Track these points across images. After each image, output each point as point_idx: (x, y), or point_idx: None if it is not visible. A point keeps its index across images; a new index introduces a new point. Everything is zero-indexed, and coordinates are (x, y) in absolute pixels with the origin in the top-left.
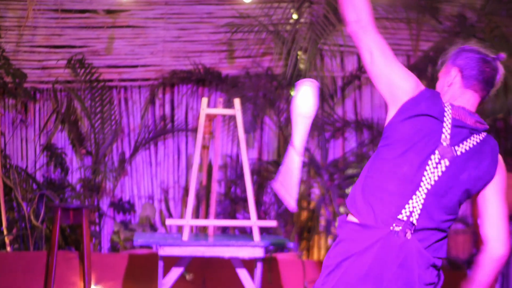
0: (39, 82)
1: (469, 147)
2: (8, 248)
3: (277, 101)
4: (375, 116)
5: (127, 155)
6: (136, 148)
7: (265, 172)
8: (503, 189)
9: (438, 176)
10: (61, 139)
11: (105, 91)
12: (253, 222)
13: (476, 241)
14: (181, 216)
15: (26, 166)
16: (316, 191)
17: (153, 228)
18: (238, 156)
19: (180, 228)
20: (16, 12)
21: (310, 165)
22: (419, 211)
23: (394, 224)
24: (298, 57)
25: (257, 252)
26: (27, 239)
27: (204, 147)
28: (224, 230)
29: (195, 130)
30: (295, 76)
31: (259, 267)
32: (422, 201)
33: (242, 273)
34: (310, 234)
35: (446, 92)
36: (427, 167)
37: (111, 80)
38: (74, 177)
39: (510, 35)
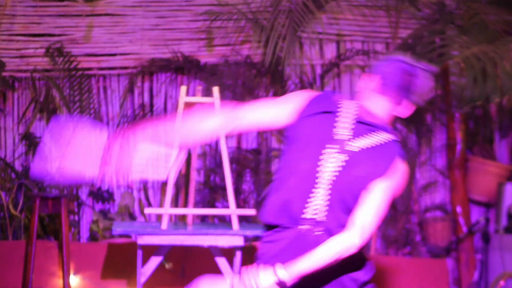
0: (17, 71)
1: (368, 144)
2: None
3: (256, 89)
4: None
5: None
6: None
7: (244, 161)
8: (389, 191)
9: (337, 171)
10: (40, 128)
11: (84, 80)
12: (232, 210)
13: (455, 229)
14: (160, 205)
15: (5, 155)
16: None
17: (132, 217)
18: (217, 145)
19: (159, 217)
20: None
21: None
22: (323, 208)
23: (301, 223)
24: (277, 45)
25: (237, 241)
26: (6, 229)
27: None
28: (203, 218)
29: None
30: (274, 64)
31: (238, 255)
32: (325, 197)
33: (222, 262)
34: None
35: (363, 94)
36: (325, 163)
37: (89, 69)
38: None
39: (489, 22)
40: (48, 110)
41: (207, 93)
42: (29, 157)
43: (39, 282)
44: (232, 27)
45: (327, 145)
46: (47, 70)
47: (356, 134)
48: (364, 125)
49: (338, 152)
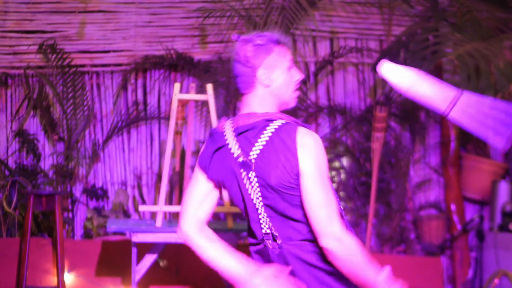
0: (10, 68)
1: (260, 149)
2: None
3: None
4: (348, 101)
5: (100, 141)
6: (109, 134)
7: None
8: (315, 173)
9: (257, 188)
10: (33, 125)
11: (77, 77)
12: (227, 208)
13: (450, 227)
14: (155, 202)
15: None
16: None
17: (127, 214)
18: None
19: (153, 215)
20: None
21: None
22: (271, 223)
23: (264, 240)
24: None
25: (231, 238)
26: (0, 226)
27: (177, 133)
28: None
29: (167, 116)
30: None
31: None
32: (266, 214)
33: None
34: None
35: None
36: (247, 187)
37: (83, 66)
38: (47, 163)
39: (482, 19)
40: (41, 107)
41: (201, 90)
42: (22, 154)
43: (33, 279)
44: (225, 24)
45: (240, 172)
46: (40, 67)
47: (246, 145)
48: (244, 133)
49: (246, 172)
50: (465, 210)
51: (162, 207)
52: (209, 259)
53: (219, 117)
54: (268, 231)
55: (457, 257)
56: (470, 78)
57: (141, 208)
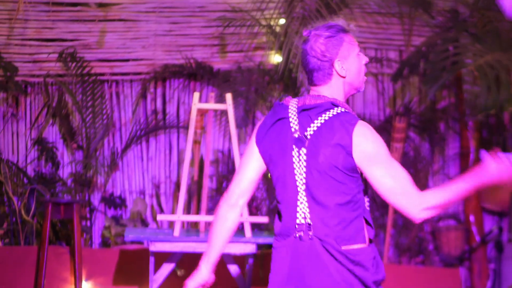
0: (30, 76)
1: (317, 126)
2: None
3: (269, 96)
4: (367, 111)
5: (119, 149)
6: (128, 143)
7: None
8: (373, 156)
9: (305, 167)
10: (52, 133)
11: (97, 85)
12: (245, 218)
13: (468, 238)
14: (173, 211)
15: (17, 160)
16: None
17: (144, 223)
18: (229, 151)
19: (171, 224)
20: (7, 4)
21: None
22: (308, 210)
23: (296, 231)
24: (290, 52)
25: (249, 248)
26: (18, 234)
27: (196, 142)
28: None
29: (186, 125)
30: (287, 71)
31: (250, 263)
32: (305, 198)
33: (234, 269)
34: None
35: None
36: (294, 165)
37: (102, 74)
38: (65, 172)
39: (503, 30)
40: (60, 115)
41: (220, 99)
42: (41, 162)
43: (51, 287)
44: (245, 33)
45: (291, 147)
46: (59, 75)
47: (305, 123)
48: (307, 111)
49: (299, 149)
50: (484, 221)
51: (180, 216)
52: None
53: (238, 126)
54: (302, 220)
55: (475, 269)
56: (490, 89)
57: (159, 217)
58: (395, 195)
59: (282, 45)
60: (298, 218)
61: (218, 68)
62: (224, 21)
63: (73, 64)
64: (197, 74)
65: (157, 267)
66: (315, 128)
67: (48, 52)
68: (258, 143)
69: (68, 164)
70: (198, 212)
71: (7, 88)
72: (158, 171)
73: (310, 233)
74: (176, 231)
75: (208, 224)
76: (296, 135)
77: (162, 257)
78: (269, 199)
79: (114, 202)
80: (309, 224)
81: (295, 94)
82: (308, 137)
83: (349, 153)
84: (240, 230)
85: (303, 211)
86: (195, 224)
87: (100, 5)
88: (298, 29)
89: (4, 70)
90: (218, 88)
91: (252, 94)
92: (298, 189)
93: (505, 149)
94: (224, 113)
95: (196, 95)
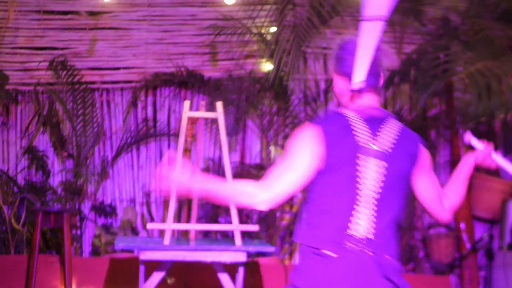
0: (20, 84)
1: (395, 138)
2: None
3: (259, 104)
4: None
5: (109, 158)
6: (118, 151)
7: (248, 176)
8: (430, 164)
9: (382, 181)
10: (43, 141)
11: (87, 94)
12: (235, 226)
13: (459, 245)
14: (163, 220)
15: (8, 169)
16: (299, 195)
17: (135, 231)
18: (220, 159)
19: (161, 232)
20: None
21: None
22: (372, 224)
23: (351, 243)
24: (281, 59)
25: (239, 257)
26: (8, 243)
27: (186, 150)
28: (206, 234)
29: (177, 133)
30: (278, 79)
31: (241, 271)
32: (371, 212)
33: (224, 278)
34: (292, 238)
35: (345, 98)
36: (362, 175)
37: (93, 82)
38: (56, 180)
39: (494, 38)
40: (51, 124)
41: (211, 107)
42: (31, 171)
43: None
44: (236, 41)
45: (359, 158)
46: (50, 84)
47: (376, 133)
48: (375, 122)
49: (376, 162)
50: (475, 229)
51: (170, 225)
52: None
53: (228, 135)
54: (359, 234)
55: (466, 276)
56: (481, 97)
57: (150, 225)
58: (431, 201)
59: (273, 53)
60: (351, 229)
61: (209, 76)
62: (215, 29)
63: (64, 73)
64: (188, 82)
65: (147, 275)
66: (393, 141)
67: (38, 61)
68: (325, 146)
69: (58, 172)
70: (188, 220)
71: None
72: (149, 179)
73: (370, 249)
74: (167, 240)
75: (199, 233)
76: (374, 147)
77: (153, 266)
78: None
79: (104, 210)
80: (369, 239)
81: (286, 102)
82: (389, 151)
83: (415, 163)
84: (230, 238)
85: (366, 225)
86: (186, 233)
87: (91, 13)
88: (289, 37)
89: None
90: (209, 96)
91: (243, 102)
92: (370, 199)
93: None
94: (214, 121)
95: (187, 103)
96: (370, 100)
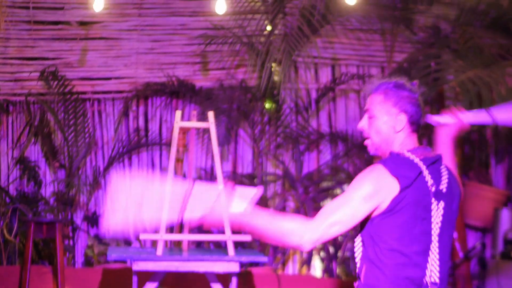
0: (11, 95)
1: (447, 178)
2: None
3: (251, 113)
4: (350, 128)
5: (101, 168)
6: (110, 161)
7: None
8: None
9: (440, 221)
10: (34, 152)
11: (79, 104)
12: (228, 236)
13: (451, 254)
14: (155, 230)
15: None
16: (291, 205)
17: (127, 242)
18: (212, 169)
19: (154, 243)
20: None
21: (285, 178)
22: (437, 268)
23: None
24: (272, 69)
25: (232, 267)
26: (0, 254)
27: (178, 160)
28: (198, 244)
29: (169, 142)
30: (270, 88)
31: (234, 281)
32: (437, 256)
33: None
34: (285, 248)
35: (394, 137)
36: (432, 221)
37: (84, 93)
38: (48, 191)
39: (484, 46)
40: (42, 134)
41: (202, 117)
42: (23, 181)
43: None
44: (227, 51)
45: (430, 202)
46: (41, 94)
47: (437, 177)
48: (433, 165)
49: (438, 203)
50: (467, 237)
51: (163, 236)
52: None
53: (220, 144)
54: (432, 279)
55: (459, 285)
56: (472, 105)
57: (142, 236)
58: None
59: (264, 63)
60: (431, 275)
61: (200, 86)
62: (206, 38)
63: (55, 83)
64: (179, 92)
65: (140, 286)
66: (447, 181)
67: (29, 71)
68: (404, 189)
69: (50, 183)
70: (181, 231)
71: None
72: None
73: None
74: (159, 250)
75: (191, 243)
76: (433, 189)
77: (145, 276)
78: None
79: (97, 220)
80: (437, 284)
81: (277, 111)
82: (444, 190)
83: (459, 202)
84: (223, 248)
85: (432, 268)
86: (178, 243)
87: (82, 23)
88: (280, 46)
89: None
90: (200, 105)
91: (234, 111)
92: (433, 243)
93: (487, 166)
94: (206, 131)
95: (178, 113)
96: (415, 141)
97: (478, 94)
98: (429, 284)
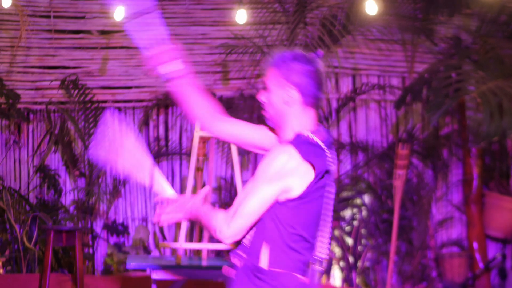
0: (32, 103)
1: (335, 161)
2: (1, 270)
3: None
4: (370, 138)
5: (121, 176)
6: None
7: None
8: None
9: (332, 204)
10: (55, 160)
11: (99, 112)
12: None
13: (472, 265)
14: (175, 238)
15: (19, 188)
16: None
17: (147, 250)
18: (232, 178)
19: (174, 251)
20: (9, 32)
21: None
22: (327, 244)
23: (315, 264)
24: None
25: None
26: (20, 261)
27: (198, 169)
28: (218, 253)
29: (189, 152)
30: None
31: None
32: (327, 234)
33: None
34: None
35: (288, 111)
36: (328, 203)
37: (104, 101)
38: (68, 199)
39: (505, 57)
40: (63, 143)
41: None
42: (43, 189)
43: None
44: (247, 60)
45: (332, 187)
46: (62, 103)
47: (332, 159)
48: (331, 146)
49: (334, 186)
50: (488, 248)
51: (182, 244)
52: None
53: (240, 154)
54: (323, 255)
55: None
56: (493, 116)
57: (162, 245)
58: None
59: None
60: (320, 252)
61: (221, 95)
62: (227, 48)
63: (75, 92)
64: None
65: None
66: (334, 163)
67: (50, 80)
68: (305, 173)
69: (70, 191)
70: (200, 239)
71: (10, 115)
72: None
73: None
74: (179, 259)
75: (211, 252)
76: (333, 171)
77: (165, 285)
78: None
79: (116, 229)
80: (322, 260)
81: None
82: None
83: None
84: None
85: (325, 246)
86: (198, 252)
87: (103, 32)
88: None
89: (7, 97)
90: None
91: (254, 121)
92: (328, 225)
93: (508, 176)
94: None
95: (199, 122)
96: (312, 117)
97: (499, 104)
98: (318, 261)
